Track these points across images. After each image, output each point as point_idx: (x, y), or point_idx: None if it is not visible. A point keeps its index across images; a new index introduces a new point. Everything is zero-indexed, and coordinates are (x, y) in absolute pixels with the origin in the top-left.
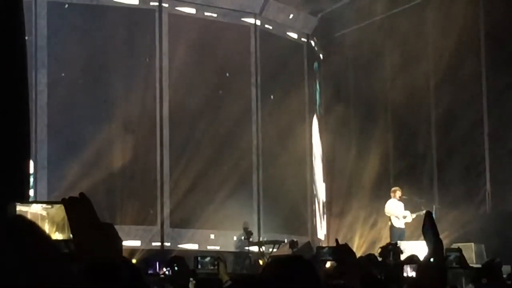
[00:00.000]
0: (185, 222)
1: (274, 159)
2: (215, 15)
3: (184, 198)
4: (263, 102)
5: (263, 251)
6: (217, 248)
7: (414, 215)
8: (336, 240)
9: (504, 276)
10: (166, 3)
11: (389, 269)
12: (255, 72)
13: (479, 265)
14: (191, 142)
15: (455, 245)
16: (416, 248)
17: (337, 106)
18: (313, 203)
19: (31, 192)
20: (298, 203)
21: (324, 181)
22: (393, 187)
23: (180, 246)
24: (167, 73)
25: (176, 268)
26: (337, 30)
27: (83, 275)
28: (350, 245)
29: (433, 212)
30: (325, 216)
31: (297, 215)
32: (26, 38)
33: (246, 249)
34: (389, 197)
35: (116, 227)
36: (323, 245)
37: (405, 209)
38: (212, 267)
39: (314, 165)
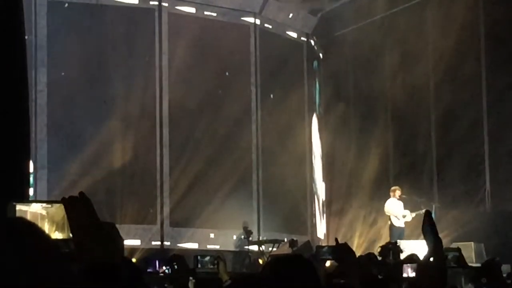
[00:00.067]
0: (185, 221)
1: (273, 158)
2: (214, 14)
3: (184, 197)
4: (263, 101)
5: (263, 250)
6: (217, 247)
7: (413, 214)
8: (336, 239)
9: (504, 275)
10: (165, 2)
11: (389, 268)
12: (254, 71)
13: (478, 265)
14: (191, 142)
15: (454, 245)
16: (415, 247)
17: (337, 106)
18: (312, 202)
19: (31, 191)
20: (297, 202)
21: (323, 180)
22: (392, 186)
23: (180, 245)
24: (166, 72)
25: (175, 267)
26: (337, 29)
27: (83, 275)
28: (349, 244)
29: (433, 212)
30: (324, 215)
31: (297, 214)
32: (26, 37)
33: (246, 248)
34: (389, 196)
35: (116, 226)
36: (323, 244)
37: (405, 208)
38: (212, 266)
39: (313, 164)
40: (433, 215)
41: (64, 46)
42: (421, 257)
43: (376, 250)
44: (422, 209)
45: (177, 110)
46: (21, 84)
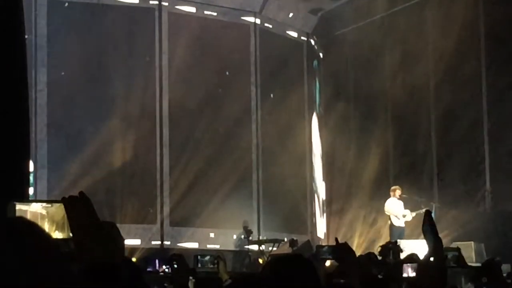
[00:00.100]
0: (185, 221)
1: (274, 158)
2: (215, 13)
3: (184, 197)
4: (263, 100)
5: (263, 250)
6: (217, 246)
7: (413, 214)
8: (336, 239)
9: (504, 275)
10: (166, 1)
11: (389, 268)
12: (254, 71)
13: (479, 264)
14: (191, 141)
15: (454, 244)
16: (416, 247)
17: (337, 105)
18: (313, 201)
19: (31, 191)
20: (298, 202)
21: (323, 179)
22: (393, 186)
23: (179, 244)
24: (167, 72)
25: (175, 266)
26: (337, 29)
27: (83, 275)
28: (349, 244)
29: (433, 211)
30: (324, 214)
31: (297, 214)
32: (26, 37)
33: (246, 248)
34: (389, 196)
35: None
36: (323, 244)
37: (405, 208)
38: (212, 266)
39: (313, 163)
40: (433, 215)
41: (64, 45)
42: (421, 257)
43: (376, 249)
44: (422, 209)
45: (177, 110)
46: (21, 84)
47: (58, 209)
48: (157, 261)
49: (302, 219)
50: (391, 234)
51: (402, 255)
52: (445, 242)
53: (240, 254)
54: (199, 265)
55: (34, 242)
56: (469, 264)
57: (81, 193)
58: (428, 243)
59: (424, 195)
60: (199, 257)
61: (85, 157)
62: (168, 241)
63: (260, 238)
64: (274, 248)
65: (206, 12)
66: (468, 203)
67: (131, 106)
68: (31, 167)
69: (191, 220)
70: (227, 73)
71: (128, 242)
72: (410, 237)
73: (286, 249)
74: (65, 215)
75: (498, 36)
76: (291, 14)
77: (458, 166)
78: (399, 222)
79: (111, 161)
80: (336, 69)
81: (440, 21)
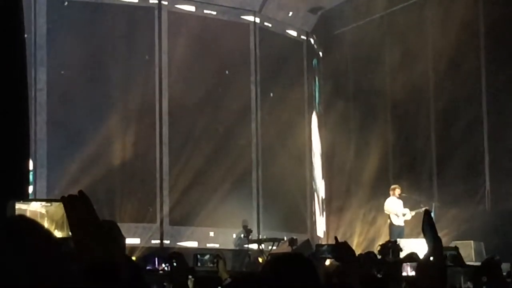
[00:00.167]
0: (184, 220)
1: (273, 156)
2: (214, 12)
3: (183, 195)
4: (263, 99)
5: (262, 249)
6: (217, 245)
7: (413, 213)
8: (336, 238)
9: (504, 273)
10: (165, 1)
11: (389, 267)
12: (254, 69)
13: (478, 263)
14: (191, 140)
15: (454, 243)
16: (415, 245)
17: (337, 104)
18: (312, 200)
19: (30, 189)
20: (297, 200)
21: (323, 178)
22: (392, 184)
23: (179, 243)
24: (166, 71)
25: (174, 264)
26: (337, 28)
27: (82, 275)
28: (349, 242)
29: (433, 210)
30: (324, 213)
31: (297, 212)
32: (26, 36)
33: (245, 247)
34: (389, 195)
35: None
36: (323, 243)
37: (405, 206)
38: (211, 265)
39: (313, 162)
40: (432, 214)
41: (64, 44)
42: (421, 256)
43: (376, 248)
44: (421, 208)
45: (177, 109)
46: (20, 84)
47: (58, 208)
48: (156, 259)
49: (301, 218)
50: (390, 233)
51: (402, 254)
52: (444, 241)
53: (240, 253)
54: (199, 264)
55: (34, 241)
56: (469, 263)
57: (80, 192)
58: (427, 243)
59: (423, 194)
60: (198, 256)
61: (85, 156)
62: (167, 240)
63: (260, 237)
64: (274, 247)
65: (205, 11)
66: (467, 202)
67: (131, 105)
68: (31, 166)
69: (190, 219)
70: (227, 72)
71: (128, 241)
72: (409, 236)
73: (285, 248)
74: (65, 214)
75: (497, 35)
76: (290, 13)
77: (458, 165)
78: (398, 221)
79: (110, 160)
80: (336, 68)
81: (440, 20)
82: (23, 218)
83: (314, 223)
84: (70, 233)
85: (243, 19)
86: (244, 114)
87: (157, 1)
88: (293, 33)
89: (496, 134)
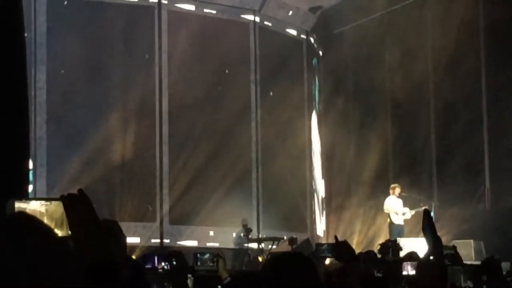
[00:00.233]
0: (184, 219)
1: (273, 156)
2: (214, 11)
3: (183, 195)
4: (263, 98)
5: (262, 248)
6: (216, 245)
7: (413, 212)
8: (336, 237)
9: (504, 273)
10: (165, 0)
11: (388, 266)
12: (254, 68)
13: (478, 262)
14: (191, 139)
15: (454, 242)
16: (415, 244)
17: (337, 103)
18: (312, 199)
19: (30, 189)
20: (297, 200)
21: (323, 177)
22: (392, 183)
23: (179, 243)
24: (166, 70)
25: (174, 263)
26: (337, 27)
27: (82, 274)
28: (349, 242)
29: (432, 209)
30: (324, 212)
31: (296, 212)
32: (26, 35)
33: (245, 246)
34: (388, 194)
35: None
36: (322, 242)
37: (404, 206)
38: (211, 264)
39: (313, 161)
40: (432, 214)
41: (64, 43)
42: (421, 255)
43: (376, 247)
44: (421, 207)
45: (177, 108)
46: (20, 84)
47: (57, 207)
48: (156, 258)
49: (301, 217)
50: (390, 232)
51: (402, 253)
52: (444, 240)
53: (240, 252)
54: (199, 263)
55: (35, 239)
56: (469, 262)
57: (80, 190)
58: (427, 242)
59: (423, 193)
60: (198, 255)
61: (85, 155)
62: (167, 239)
63: (260, 236)
64: (274, 246)
65: (205, 10)
66: (467, 201)
67: (130, 104)
68: (30, 165)
69: (190, 218)
70: (227, 71)
71: (128, 240)
72: (409, 235)
73: (285, 247)
74: (64, 213)
75: (497, 34)
76: (290, 12)
77: (458, 164)
78: (398, 220)
79: (110, 159)
80: (336, 67)
81: (440, 19)
82: (23, 215)
83: (314, 222)
84: (69, 232)
85: (243, 18)
86: (244, 113)
87: (157, 0)
88: (293, 32)
89: (496, 133)
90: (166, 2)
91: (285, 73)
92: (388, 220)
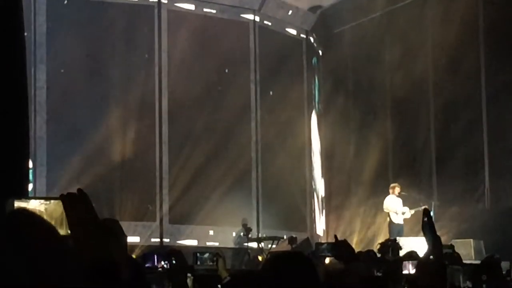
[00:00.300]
0: (184, 218)
1: (273, 155)
2: (214, 11)
3: (183, 194)
4: (262, 98)
5: (262, 247)
6: (216, 244)
7: (412, 211)
8: (335, 236)
9: (503, 272)
10: None
11: (388, 265)
12: (254, 68)
13: (478, 262)
14: (190, 138)
15: (453, 242)
16: (415, 244)
17: (336, 102)
18: (312, 199)
19: (30, 188)
20: (297, 199)
21: (323, 177)
22: (392, 183)
23: (179, 242)
24: (166, 69)
25: (174, 262)
26: (336, 26)
27: (82, 274)
28: (349, 241)
29: (432, 209)
30: (324, 212)
31: (296, 211)
32: (25, 34)
33: (245, 245)
34: (388, 193)
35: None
36: (322, 241)
37: (404, 205)
38: (211, 263)
39: (313, 161)
40: (432, 213)
41: (64, 43)
42: (421, 254)
43: (376, 247)
44: (421, 206)
45: (176, 107)
46: (20, 84)
47: (57, 206)
48: (155, 256)
49: (301, 216)
50: (390, 232)
51: (402, 253)
52: (444, 239)
53: (239, 251)
54: (198, 263)
55: (35, 238)
56: (469, 261)
57: (79, 190)
58: (427, 242)
59: (423, 193)
60: (198, 254)
61: (85, 154)
62: (167, 238)
63: (259, 235)
64: (273, 246)
65: (205, 10)
66: (467, 200)
67: (130, 104)
68: (30, 164)
69: (190, 217)
70: (227, 70)
71: (127, 239)
72: (409, 234)
73: (285, 246)
74: (64, 212)
75: (497, 34)
76: (290, 12)
77: (458, 164)
78: (398, 220)
79: (110, 159)
80: (336, 67)
81: (440, 18)
82: (23, 212)
83: (313, 222)
84: (69, 232)
85: (242, 17)
86: (243, 112)
87: (156, 0)
88: (293, 31)
89: (496, 133)
90: (166, 1)
91: (285, 72)
92: (388, 219)
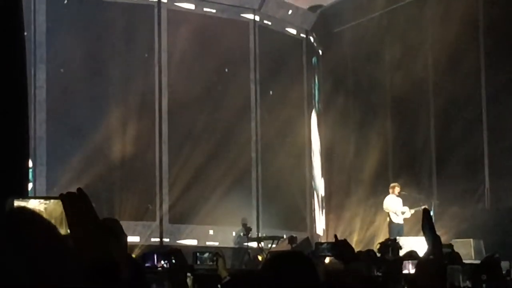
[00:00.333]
0: (184, 218)
1: (273, 155)
2: (214, 10)
3: (183, 194)
4: (262, 98)
5: (262, 247)
6: (216, 244)
7: (412, 211)
8: (335, 236)
9: (503, 272)
10: None
11: (388, 265)
12: (254, 68)
13: (478, 261)
14: (190, 138)
15: (453, 241)
16: (415, 243)
17: (336, 102)
18: (312, 198)
19: (30, 187)
20: (297, 199)
21: (323, 176)
22: (392, 182)
23: (179, 241)
24: (166, 69)
25: (173, 261)
26: (336, 26)
27: (82, 274)
28: (349, 240)
29: (432, 208)
30: (324, 211)
31: (296, 210)
32: (25, 34)
33: (245, 245)
34: (388, 193)
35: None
36: (322, 241)
37: (404, 204)
38: (211, 263)
39: (313, 160)
40: (432, 212)
41: (63, 42)
42: (420, 254)
43: (375, 246)
44: (421, 206)
45: (176, 107)
46: (20, 84)
47: (56, 206)
48: (155, 256)
49: (301, 216)
50: (390, 231)
51: (401, 252)
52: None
53: (239, 251)
54: (198, 262)
55: (35, 237)
56: (469, 261)
57: (79, 189)
58: (427, 241)
59: (423, 192)
60: (198, 254)
61: (84, 154)
62: (167, 238)
63: (259, 235)
64: (273, 245)
65: (205, 9)
66: (467, 200)
67: (130, 103)
68: (30, 164)
69: (190, 217)
70: (226, 70)
71: (127, 239)
72: (409, 234)
73: (285, 246)
74: (63, 212)
75: (497, 34)
76: (290, 11)
77: (458, 163)
78: (397, 219)
79: (110, 158)
80: (335, 66)
81: (439, 18)
82: (23, 211)
83: (313, 221)
84: (68, 231)
85: (242, 17)
86: (243, 112)
87: None
88: (293, 31)
89: (496, 132)
90: (165, 1)
91: (284, 72)
92: (388, 219)
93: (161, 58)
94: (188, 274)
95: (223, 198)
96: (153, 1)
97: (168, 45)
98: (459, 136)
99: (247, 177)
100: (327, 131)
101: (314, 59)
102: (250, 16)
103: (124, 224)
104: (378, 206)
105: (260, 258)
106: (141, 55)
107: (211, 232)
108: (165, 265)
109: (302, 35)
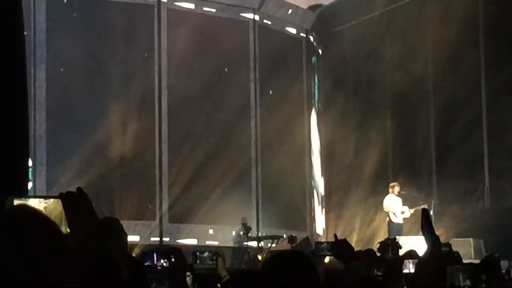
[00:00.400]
0: (183, 217)
1: (273, 154)
2: (214, 10)
3: (182, 193)
4: (262, 97)
5: (261, 246)
6: (216, 243)
7: (412, 211)
8: (335, 235)
9: (503, 271)
10: None
11: (388, 264)
12: (254, 67)
13: (477, 261)
14: (190, 137)
15: (453, 241)
16: (414, 243)
17: (336, 101)
18: (311, 198)
19: (30, 186)
20: (296, 198)
21: (322, 175)
22: (391, 182)
23: (178, 241)
24: (166, 68)
25: (173, 261)
26: (336, 25)
27: (82, 274)
28: (348, 240)
29: (432, 208)
30: (323, 210)
31: (296, 210)
32: (25, 33)
33: (244, 244)
34: (388, 193)
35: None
36: (322, 240)
37: (404, 204)
38: (210, 262)
39: (312, 160)
40: (432, 212)
41: (63, 42)
42: (420, 253)
43: (375, 246)
44: (420, 205)
45: (176, 106)
46: (20, 84)
47: (56, 205)
48: (155, 255)
49: (301, 215)
50: (389, 231)
51: (401, 252)
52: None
53: (239, 250)
54: (198, 262)
55: (35, 236)
56: (468, 260)
57: (79, 189)
58: (426, 241)
59: (423, 192)
60: (197, 253)
61: (84, 153)
62: (167, 237)
63: (259, 234)
64: (273, 245)
65: (205, 9)
66: (467, 199)
67: (130, 103)
68: (30, 163)
69: (190, 216)
70: (226, 69)
71: (127, 238)
72: (408, 233)
73: (285, 245)
74: (63, 211)
75: (497, 32)
76: (290, 11)
77: (457, 163)
78: (397, 219)
79: (110, 158)
80: (335, 65)
81: (439, 17)
82: (24, 209)
83: (313, 221)
84: (68, 231)
85: (242, 16)
86: (243, 111)
87: None
88: (293, 30)
89: (496, 132)
90: (165, 0)
91: (284, 71)
92: (387, 218)
93: (161, 58)
94: (188, 273)
95: (223, 198)
96: (153, 0)
97: (168, 44)
98: (459, 136)
99: (247, 176)
100: (327, 130)
101: (314, 59)
102: (250, 15)
103: (124, 223)
104: (378, 205)
105: (260, 257)
106: (141, 54)
107: (211, 231)
108: (164, 264)
109: (302, 34)
